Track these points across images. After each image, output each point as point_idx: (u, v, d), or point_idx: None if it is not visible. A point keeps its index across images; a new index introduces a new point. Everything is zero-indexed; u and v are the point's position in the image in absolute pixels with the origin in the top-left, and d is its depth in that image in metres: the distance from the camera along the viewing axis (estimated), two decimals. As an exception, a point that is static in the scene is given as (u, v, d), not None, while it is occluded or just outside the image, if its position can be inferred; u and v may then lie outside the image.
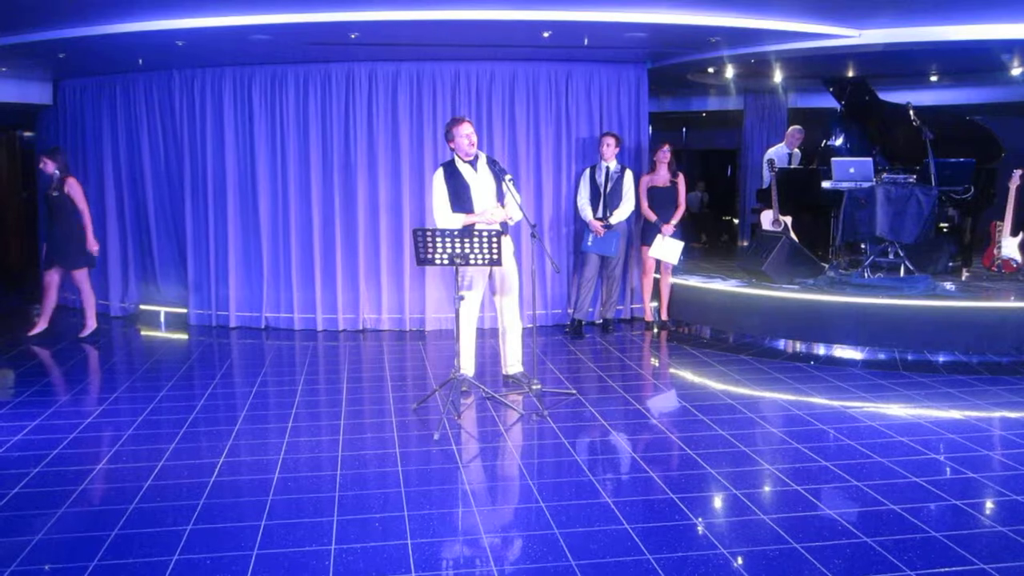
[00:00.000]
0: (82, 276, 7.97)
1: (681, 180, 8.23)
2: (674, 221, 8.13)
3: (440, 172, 5.97)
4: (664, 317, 8.47)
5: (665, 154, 8.12)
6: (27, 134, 12.20)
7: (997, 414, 5.51)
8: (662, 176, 8.14)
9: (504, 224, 5.99)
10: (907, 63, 9.58)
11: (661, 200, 8.13)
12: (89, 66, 8.74)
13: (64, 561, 3.46)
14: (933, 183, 7.92)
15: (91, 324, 8.08)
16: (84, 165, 9.27)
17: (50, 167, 7.73)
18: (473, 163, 5.93)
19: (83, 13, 6.59)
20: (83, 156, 9.31)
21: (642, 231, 8.37)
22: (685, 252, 8.26)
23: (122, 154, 9.05)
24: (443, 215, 5.91)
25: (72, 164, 9.20)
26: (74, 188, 7.76)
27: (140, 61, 8.31)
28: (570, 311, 8.56)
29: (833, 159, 8.40)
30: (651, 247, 8.10)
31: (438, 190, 5.94)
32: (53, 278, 7.93)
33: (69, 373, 6.89)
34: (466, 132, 5.82)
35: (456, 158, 5.94)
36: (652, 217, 8.09)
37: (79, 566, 3.41)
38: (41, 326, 8.01)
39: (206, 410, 5.72)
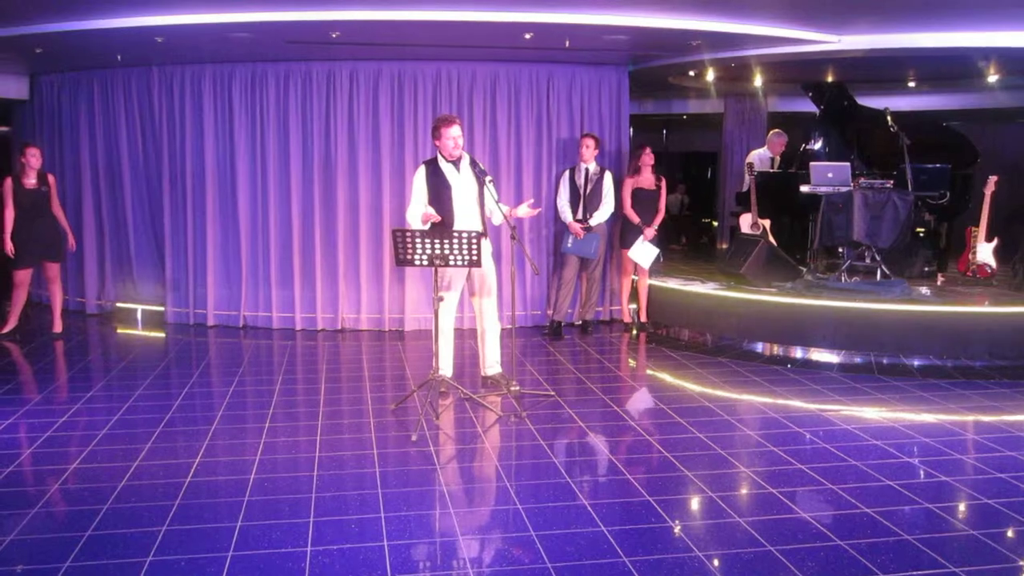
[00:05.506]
0: (57, 271, 7.93)
1: (664, 184, 8.28)
2: (656, 224, 8.16)
3: (422, 170, 5.97)
4: (643, 319, 8.49)
5: (649, 156, 8.15)
6: (3, 129, 12.05)
7: (970, 418, 5.57)
8: (648, 179, 8.17)
9: (486, 226, 6.00)
10: (885, 69, 9.67)
11: (646, 203, 8.16)
12: (67, 61, 8.66)
13: (37, 562, 3.43)
14: (910, 188, 8.00)
15: (59, 323, 8.04)
16: (61, 161, 9.19)
17: (39, 160, 7.67)
18: (456, 164, 5.93)
19: (61, 8, 6.52)
20: (60, 152, 9.23)
21: (621, 233, 8.39)
22: (663, 253, 8.29)
23: (100, 150, 8.97)
24: (412, 212, 5.93)
25: (48, 159, 9.13)
26: (53, 183, 7.77)
27: (119, 57, 8.23)
28: (549, 312, 8.57)
29: (811, 163, 8.46)
30: (631, 248, 8.12)
31: (417, 187, 5.95)
32: (25, 275, 7.83)
33: (43, 371, 6.82)
34: (453, 134, 5.81)
35: (440, 157, 5.94)
36: (635, 219, 8.11)
37: (52, 567, 3.37)
38: (11, 324, 7.92)
39: (183, 410, 5.69)
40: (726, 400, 6.00)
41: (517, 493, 4.24)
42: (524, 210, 6.12)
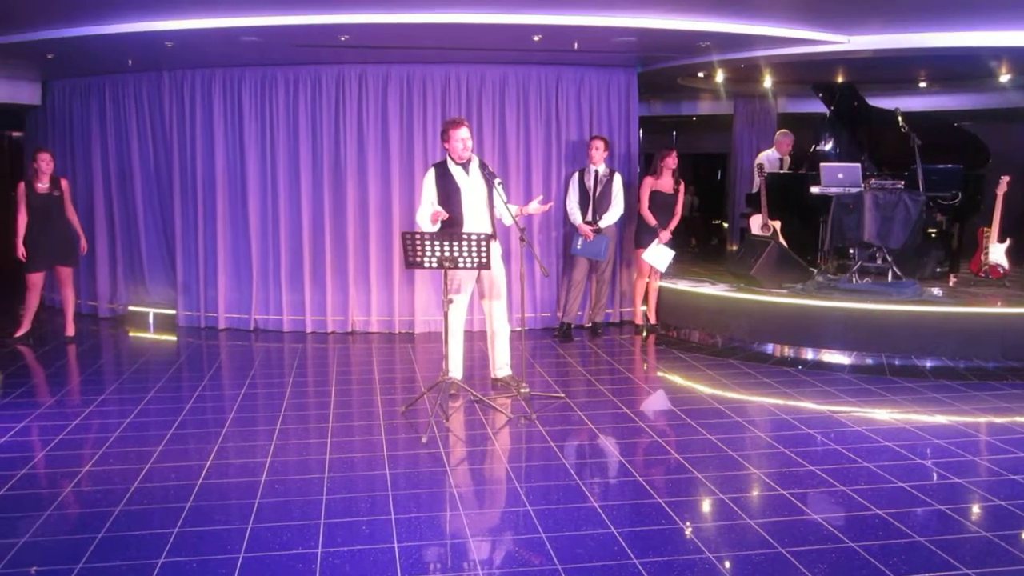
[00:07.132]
0: (70, 275, 7.98)
1: (682, 188, 8.26)
2: (672, 227, 8.15)
3: (432, 172, 6.00)
4: (652, 320, 8.48)
5: (672, 160, 8.15)
6: (15, 134, 12.13)
7: (983, 419, 5.54)
8: (666, 181, 8.16)
9: (495, 227, 6.01)
10: (896, 69, 9.63)
11: (663, 205, 8.15)
12: (78, 67, 8.71)
13: (50, 563, 3.44)
14: (921, 189, 7.95)
15: (72, 326, 8.07)
16: (72, 165, 9.25)
17: (51, 164, 7.72)
18: (465, 166, 5.95)
19: (72, 14, 6.56)
20: (72, 156, 9.29)
21: (636, 234, 8.38)
22: (674, 255, 8.28)
23: (111, 155, 9.03)
24: (422, 214, 5.95)
25: (60, 164, 9.19)
26: (66, 187, 7.82)
27: (129, 62, 8.28)
28: (559, 314, 8.57)
29: (822, 164, 8.42)
30: (645, 250, 8.10)
31: (427, 189, 5.98)
32: (38, 279, 7.88)
33: (56, 375, 6.86)
34: (462, 136, 5.84)
35: (449, 159, 5.96)
36: (652, 221, 8.10)
37: (65, 568, 3.39)
38: (24, 327, 7.96)
39: (194, 412, 5.71)
40: (736, 401, 5.99)
41: (527, 495, 4.24)
42: (535, 206, 6.13)
